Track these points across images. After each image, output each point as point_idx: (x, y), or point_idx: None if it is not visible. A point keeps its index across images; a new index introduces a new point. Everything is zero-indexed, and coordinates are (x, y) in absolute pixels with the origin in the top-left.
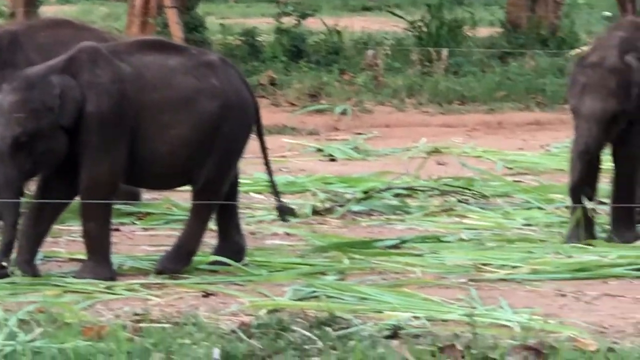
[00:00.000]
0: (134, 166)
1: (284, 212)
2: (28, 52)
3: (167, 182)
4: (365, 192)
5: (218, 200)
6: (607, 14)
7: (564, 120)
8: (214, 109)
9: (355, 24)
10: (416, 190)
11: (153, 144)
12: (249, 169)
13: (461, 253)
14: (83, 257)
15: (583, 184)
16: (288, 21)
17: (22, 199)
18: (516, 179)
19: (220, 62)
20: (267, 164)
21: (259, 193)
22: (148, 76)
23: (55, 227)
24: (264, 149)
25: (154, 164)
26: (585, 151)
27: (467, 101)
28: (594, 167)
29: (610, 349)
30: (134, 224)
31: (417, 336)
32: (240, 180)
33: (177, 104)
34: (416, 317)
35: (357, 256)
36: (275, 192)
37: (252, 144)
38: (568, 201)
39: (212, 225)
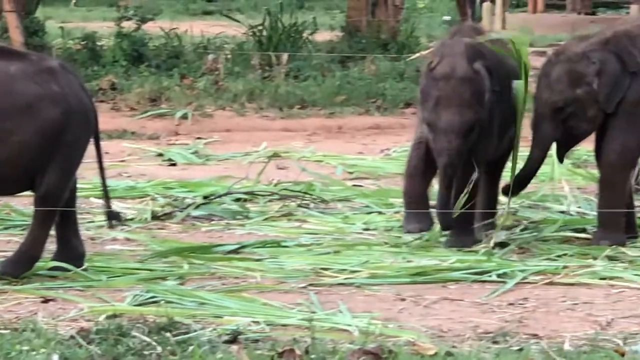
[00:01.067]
0: None
1: (112, 218)
2: None
3: (8, 188)
4: (205, 197)
5: (60, 206)
6: (447, 17)
7: (404, 124)
8: (55, 115)
9: (196, 28)
10: (256, 195)
11: None
12: (89, 174)
13: (301, 258)
14: None
15: (450, 199)
16: (129, 25)
17: None
18: (356, 184)
19: (60, 67)
20: (101, 169)
21: (99, 198)
22: None
23: None
24: (99, 155)
25: None
26: (449, 164)
27: (308, 105)
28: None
29: (449, 353)
30: None
31: (256, 341)
32: (80, 185)
33: (18, 111)
34: (256, 322)
35: (197, 261)
36: (107, 197)
37: (92, 149)
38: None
39: (52, 230)
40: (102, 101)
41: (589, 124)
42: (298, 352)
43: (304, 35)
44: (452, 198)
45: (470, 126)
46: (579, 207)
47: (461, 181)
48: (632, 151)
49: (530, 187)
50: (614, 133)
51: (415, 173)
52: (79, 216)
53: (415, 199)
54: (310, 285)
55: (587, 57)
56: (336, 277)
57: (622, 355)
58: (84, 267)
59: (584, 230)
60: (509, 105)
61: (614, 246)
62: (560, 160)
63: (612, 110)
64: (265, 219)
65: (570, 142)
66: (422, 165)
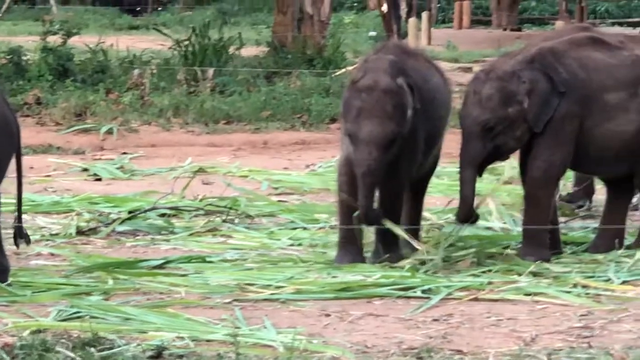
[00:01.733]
0: None
1: (19, 236)
2: None
3: None
4: (130, 212)
5: None
6: (373, 33)
7: (329, 139)
8: None
9: (122, 43)
10: (181, 210)
11: None
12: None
13: (226, 273)
14: None
15: (372, 205)
16: (54, 40)
17: None
18: (281, 199)
19: None
20: (19, 185)
21: (24, 213)
22: None
23: None
24: (19, 170)
25: None
26: (368, 174)
27: (233, 121)
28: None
29: None
30: None
31: (181, 356)
32: (4, 200)
33: None
34: (180, 338)
35: (121, 276)
36: (19, 214)
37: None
38: (332, 221)
39: None
40: (27, 116)
41: (516, 142)
42: None
43: (230, 50)
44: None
45: (391, 139)
46: (504, 223)
47: (388, 198)
48: (556, 168)
49: (454, 204)
50: (539, 150)
51: (345, 189)
52: (3, 231)
53: (348, 221)
54: (235, 300)
55: (518, 76)
56: (261, 292)
57: None
58: (8, 282)
59: (508, 247)
60: (434, 123)
61: (539, 262)
62: (479, 174)
63: (540, 129)
64: (191, 234)
65: (494, 159)
66: (352, 181)
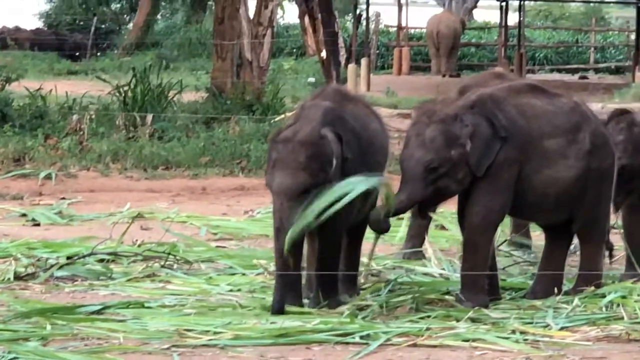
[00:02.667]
0: None
1: None
2: None
3: None
4: (68, 258)
5: None
6: (312, 79)
7: None
8: None
9: (61, 88)
10: (120, 255)
11: None
12: None
13: (164, 319)
14: None
15: (286, 257)
16: None
17: None
18: (220, 245)
19: None
20: None
21: None
22: None
23: None
24: None
25: None
26: (280, 227)
27: (172, 166)
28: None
29: None
30: None
31: None
32: None
33: None
34: None
35: (59, 322)
36: None
37: None
38: (271, 267)
39: None
40: None
41: (458, 185)
42: None
43: (170, 95)
44: (290, 262)
45: (302, 190)
46: (442, 269)
47: (326, 245)
48: (495, 213)
49: (394, 249)
50: (478, 195)
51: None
52: None
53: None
54: (174, 346)
55: (461, 120)
56: (200, 338)
57: None
58: None
59: (447, 292)
60: (372, 169)
61: (477, 308)
62: (423, 218)
63: (482, 173)
64: (129, 280)
65: (435, 202)
66: None
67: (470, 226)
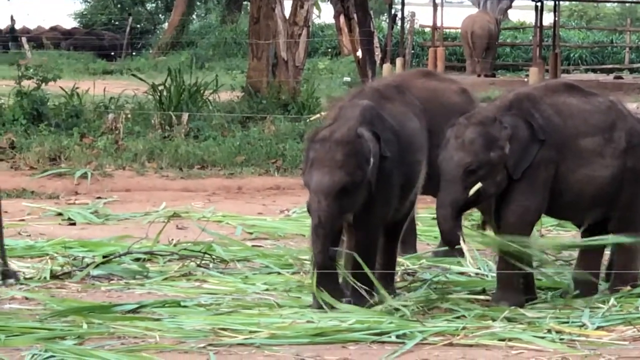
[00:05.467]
0: None
1: (7, 277)
2: None
3: None
4: (104, 257)
5: None
6: (347, 79)
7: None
8: None
9: (97, 88)
10: (156, 254)
11: None
12: None
13: (200, 318)
14: None
15: (326, 255)
16: (29, 84)
17: None
18: (256, 244)
19: None
20: None
21: None
22: None
23: None
24: None
25: None
26: (319, 225)
27: (208, 165)
28: (336, 237)
29: None
30: None
31: None
32: None
33: None
34: None
35: (96, 321)
36: (3, 256)
37: None
38: (308, 267)
39: None
40: (1, 160)
41: (496, 188)
42: None
43: (205, 95)
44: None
45: (340, 188)
46: (478, 269)
47: (363, 242)
48: (531, 213)
49: (429, 248)
50: (515, 194)
51: None
52: None
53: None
54: (210, 345)
55: (500, 122)
56: (235, 337)
57: None
58: None
59: (483, 292)
60: (410, 168)
61: (513, 307)
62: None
63: (519, 176)
64: (165, 279)
65: (472, 205)
66: None
67: (506, 225)
